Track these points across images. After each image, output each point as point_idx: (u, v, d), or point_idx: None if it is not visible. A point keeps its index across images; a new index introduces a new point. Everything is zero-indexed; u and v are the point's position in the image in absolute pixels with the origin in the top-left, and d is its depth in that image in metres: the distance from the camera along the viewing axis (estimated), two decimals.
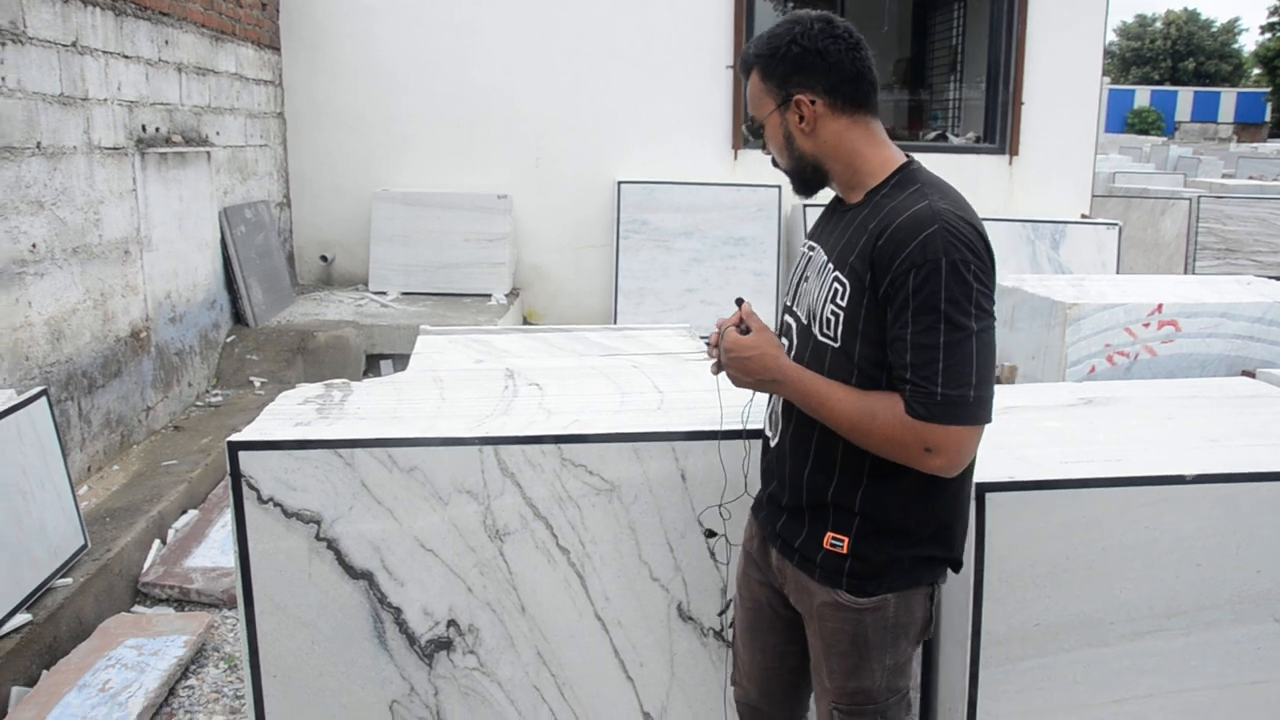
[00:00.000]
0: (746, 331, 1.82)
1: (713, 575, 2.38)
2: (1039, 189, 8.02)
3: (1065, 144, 8.03)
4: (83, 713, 2.84)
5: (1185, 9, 55.00)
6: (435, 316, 6.73)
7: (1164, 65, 53.04)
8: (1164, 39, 53.83)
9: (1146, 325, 3.54)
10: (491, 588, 2.35)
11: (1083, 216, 7.98)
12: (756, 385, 1.81)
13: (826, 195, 1.92)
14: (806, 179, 1.84)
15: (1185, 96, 45.25)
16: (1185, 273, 9.75)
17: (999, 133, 8.06)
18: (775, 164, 1.89)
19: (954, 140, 8.49)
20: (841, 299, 1.70)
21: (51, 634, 3.19)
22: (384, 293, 7.52)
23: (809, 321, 1.79)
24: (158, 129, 5.28)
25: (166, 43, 5.42)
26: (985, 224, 1.72)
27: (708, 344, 1.90)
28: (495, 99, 7.80)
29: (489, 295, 7.53)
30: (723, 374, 1.87)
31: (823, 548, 1.76)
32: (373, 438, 2.30)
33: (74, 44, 4.41)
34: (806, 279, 1.84)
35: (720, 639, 2.41)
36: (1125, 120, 41.53)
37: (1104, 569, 2.32)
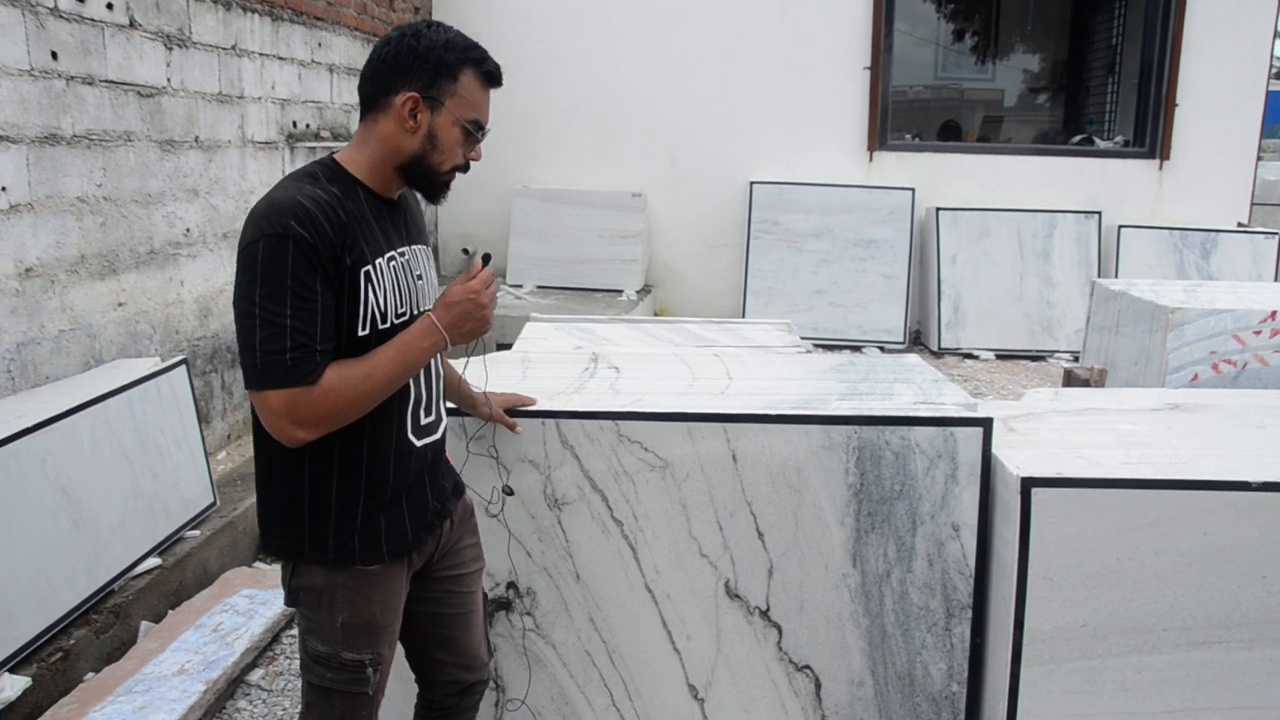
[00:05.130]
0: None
1: (760, 555, 2.45)
2: (1191, 196, 7.63)
3: (1222, 148, 7.62)
4: (196, 648, 3.13)
5: None
6: (566, 309, 6.93)
7: None
8: None
9: (1258, 333, 3.38)
10: (549, 554, 2.49)
11: (1239, 225, 7.56)
12: (473, 336, 1.86)
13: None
14: None
15: None
16: None
17: (1149, 136, 7.72)
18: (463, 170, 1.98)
19: (1099, 144, 8.16)
20: None
21: (178, 579, 3.52)
22: (520, 285, 7.81)
23: None
24: (308, 125, 5.67)
25: (320, 45, 5.82)
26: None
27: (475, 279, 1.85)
28: (634, 101, 7.99)
29: (621, 291, 7.71)
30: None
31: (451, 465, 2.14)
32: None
33: (233, 47, 4.80)
34: (421, 277, 1.95)
35: (765, 619, 2.48)
36: None
37: (1159, 574, 2.28)
